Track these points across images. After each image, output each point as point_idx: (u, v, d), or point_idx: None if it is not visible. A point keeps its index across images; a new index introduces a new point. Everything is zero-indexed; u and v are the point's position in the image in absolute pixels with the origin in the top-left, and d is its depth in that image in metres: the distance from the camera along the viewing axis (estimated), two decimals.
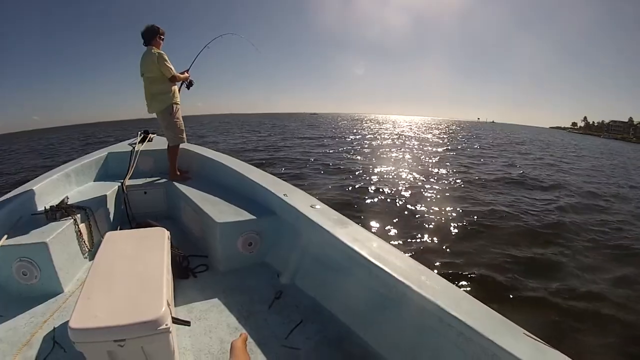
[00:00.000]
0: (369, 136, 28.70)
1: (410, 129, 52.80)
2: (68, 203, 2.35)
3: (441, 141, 27.59)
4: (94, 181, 3.17)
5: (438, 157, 16.06)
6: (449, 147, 21.63)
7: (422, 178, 10.24)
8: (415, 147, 21.23)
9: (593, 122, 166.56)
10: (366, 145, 19.95)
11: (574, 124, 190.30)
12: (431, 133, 41.75)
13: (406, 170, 11.76)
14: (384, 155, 15.78)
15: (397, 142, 24.03)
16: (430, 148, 20.69)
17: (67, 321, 1.10)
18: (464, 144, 25.17)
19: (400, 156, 15.93)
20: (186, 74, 3.37)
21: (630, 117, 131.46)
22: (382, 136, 30.26)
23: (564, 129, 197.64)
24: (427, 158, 15.70)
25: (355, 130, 35.87)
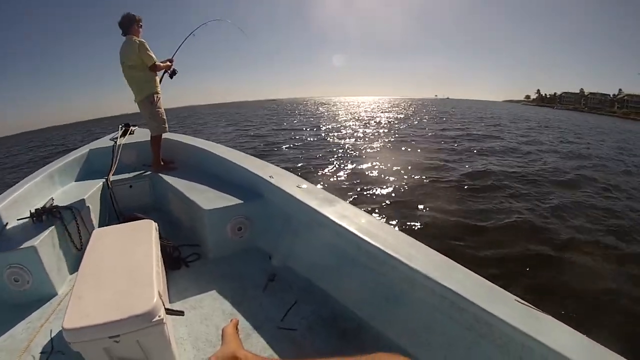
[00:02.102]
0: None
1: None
2: (53, 204, 2.33)
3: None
4: (78, 179, 3.12)
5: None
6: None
7: None
8: None
9: (545, 94, 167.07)
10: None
11: (527, 96, 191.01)
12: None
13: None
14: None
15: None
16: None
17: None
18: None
19: None
20: (168, 63, 3.29)
21: (582, 89, 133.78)
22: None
23: (517, 101, 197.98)
24: None
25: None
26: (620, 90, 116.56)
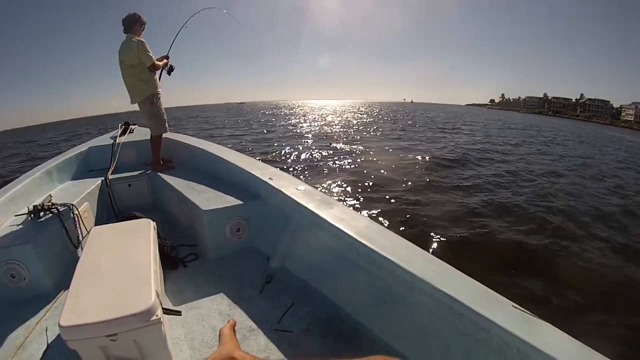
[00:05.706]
0: None
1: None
2: (52, 201, 2.33)
3: None
4: (77, 177, 3.11)
5: None
6: None
7: None
8: None
9: (509, 98, 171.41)
10: None
11: (492, 100, 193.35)
12: None
13: None
14: None
15: None
16: None
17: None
18: None
19: None
20: (165, 60, 3.29)
21: (545, 93, 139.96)
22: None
23: (481, 105, 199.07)
24: None
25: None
26: (582, 95, 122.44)
